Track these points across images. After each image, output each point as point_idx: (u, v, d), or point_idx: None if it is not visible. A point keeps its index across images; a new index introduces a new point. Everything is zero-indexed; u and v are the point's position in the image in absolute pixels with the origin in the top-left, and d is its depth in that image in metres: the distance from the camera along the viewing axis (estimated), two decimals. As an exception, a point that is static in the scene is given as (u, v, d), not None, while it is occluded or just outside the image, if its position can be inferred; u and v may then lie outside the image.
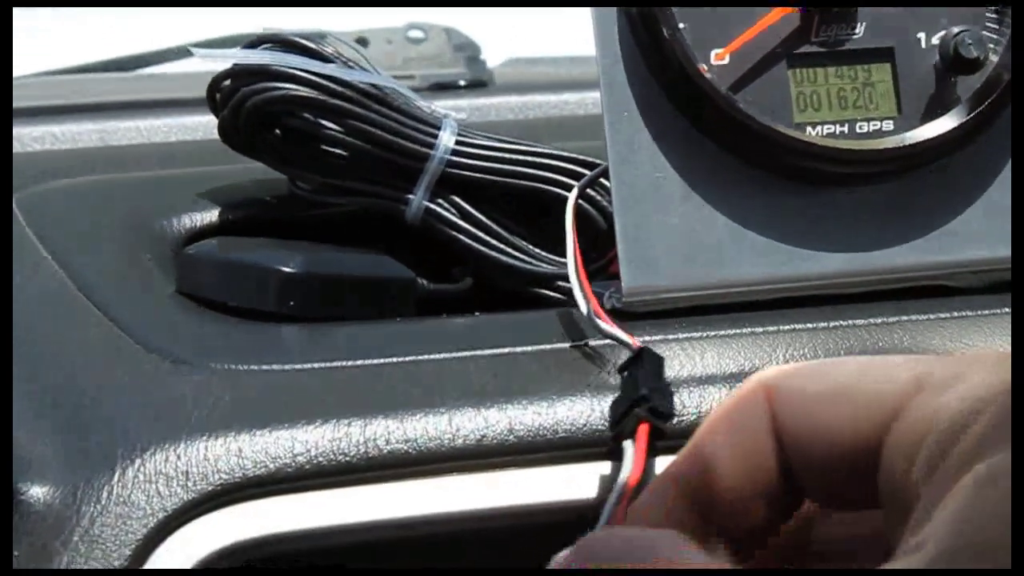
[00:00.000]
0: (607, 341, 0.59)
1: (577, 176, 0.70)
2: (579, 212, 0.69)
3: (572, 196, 0.63)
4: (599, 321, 0.57)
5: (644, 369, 0.54)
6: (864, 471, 0.40)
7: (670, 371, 0.58)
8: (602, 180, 0.69)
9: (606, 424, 0.55)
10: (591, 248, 0.69)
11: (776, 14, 0.61)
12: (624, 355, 0.57)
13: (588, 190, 0.69)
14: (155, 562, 0.51)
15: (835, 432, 0.41)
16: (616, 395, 0.55)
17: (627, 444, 0.50)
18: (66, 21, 1.43)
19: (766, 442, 0.43)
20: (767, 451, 0.43)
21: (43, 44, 1.26)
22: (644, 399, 0.52)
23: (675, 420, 0.54)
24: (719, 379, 0.58)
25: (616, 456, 0.54)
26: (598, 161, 0.69)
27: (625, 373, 0.55)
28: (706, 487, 0.44)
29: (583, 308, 0.58)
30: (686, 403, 0.56)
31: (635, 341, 0.56)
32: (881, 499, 0.40)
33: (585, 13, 0.61)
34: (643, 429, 0.51)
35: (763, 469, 0.43)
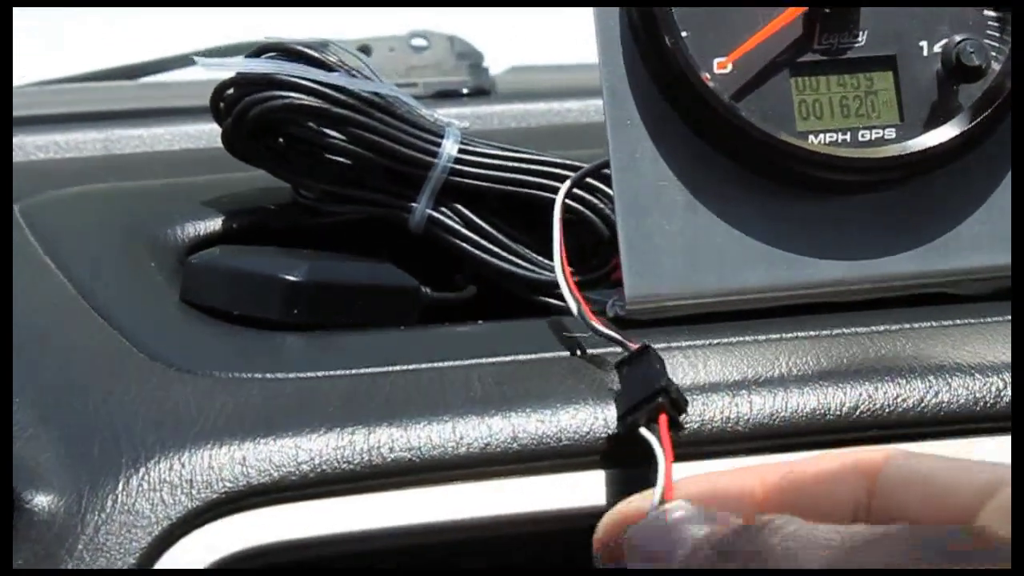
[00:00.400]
0: (610, 348, 0.59)
1: (579, 184, 0.70)
2: (580, 219, 0.69)
3: (559, 197, 0.63)
4: (591, 322, 0.58)
5: (654, 365, 0.55)
6: None
7: (673, 379, 0.58)
8: (603, 187, 0.69)
9: (610, 432, 0.56)
10: (593, 256, 0.69)
11: (780, 20, 0.61)
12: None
13: (589, 195, 0.69)
14: (160, 570, 0.51)
15: (917, 515, 0.45)
16: (619, 390, 0.55)
17: (646, 432, 0.52)
18: (69, 30, 1.43)
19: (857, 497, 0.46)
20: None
21: (46, 53, 1.26)
22: (663, 391, 0.53)
23: (681, 430, 0.55)
24: (722, 387, 0.58)
25: (622, 457, 0.54)
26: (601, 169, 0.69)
27: (624, 370, 0.55)
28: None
29: (573, 309, 0.59)
30: (689, 411, 0.56)
31: (633, 343, 0.56)
32: None
33: (588, 21, 0.61)
34: (663, 419, 0.52)
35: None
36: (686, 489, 0.48)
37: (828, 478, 0.48)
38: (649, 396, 0.53)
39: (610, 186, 0.61)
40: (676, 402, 0.54)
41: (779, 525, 0.43)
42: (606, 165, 0.66)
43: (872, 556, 0.39)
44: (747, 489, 0.48)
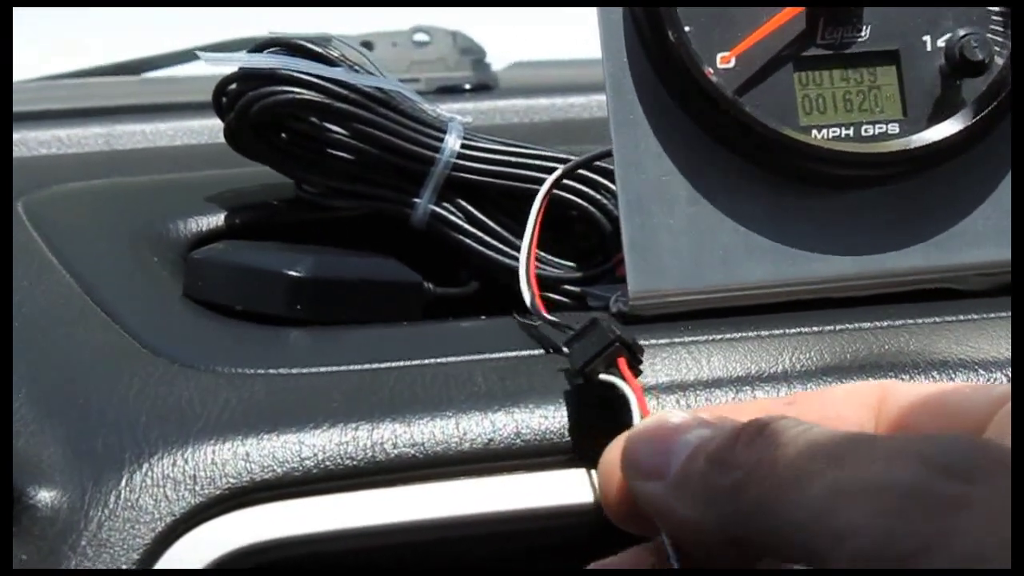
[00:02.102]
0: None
1: (583, 179, 0.70)
2: (584, 215, 0.69)
3: (544, 187, 0.63)
4: (541, 312, 0.59)
5: (605, 327, 0.55)
6: None
7: (677, 374, 0.58)
8: (608, 184, 0.69)
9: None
10: (597, 252, 0.69)
11: (783, 15, 0.61)
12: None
13: (592, 191, 0.69)
14: (163, 566, 0.51)
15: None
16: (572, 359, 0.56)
17: (607, 376, 0.53)
18: (71, 25, 1.43)
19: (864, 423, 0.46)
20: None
21: (48, 48, 1.26)
22: (618, 339, 0.54)
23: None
24: (725, 382, 0.58)
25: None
26: (604, 165, 0.69)
27: (575, 344, 0.56)
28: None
29: (527, 298, 0.60)
30: (692, 406, 0.56)
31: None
32: None
33: (591, 16, 0.61)
34: (621, 361, 0.54)
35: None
36: None
37: (833, 404, 0.47)
38: (603, 348, 0.54)
39: (613, 181, 0.61)
40: (632, 348, 0.54)
41: (780, 428, 0.41)
42: (598, 157, 0.66)
43: (886, 468, 0.38)
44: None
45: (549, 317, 0.59)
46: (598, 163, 0.70)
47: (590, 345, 0.55)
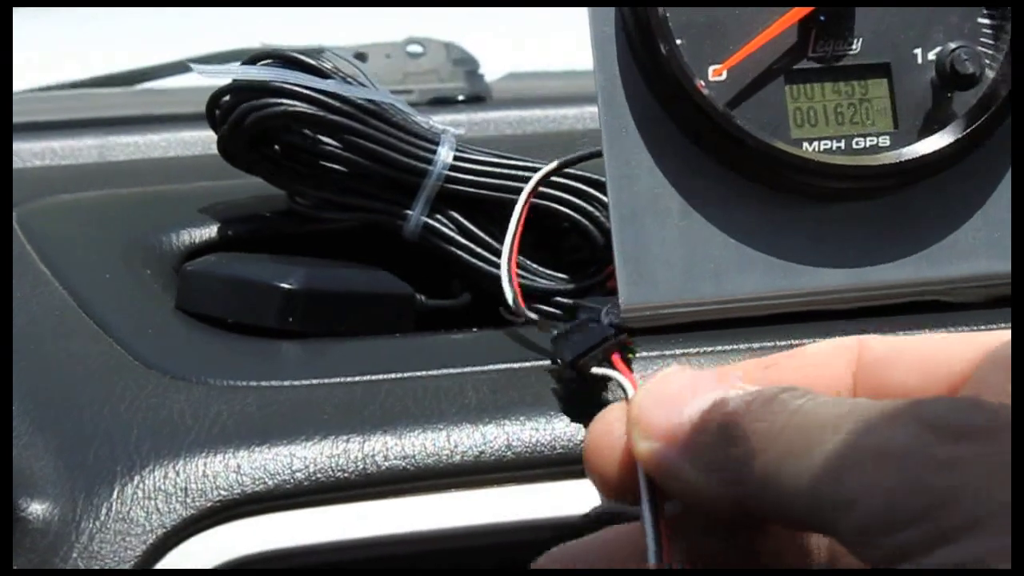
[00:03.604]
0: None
1: (576, 192, 0.70)
2: (577, 227, 0.69)
3: (528, 186, 0.64)
4: (521, 308, 0.60)
5: (590, 317, 0.55)
6: None
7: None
8: (600, 196, 0.69)
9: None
10: (589, 264, 0.69)
11: (775, 28, 0.61)
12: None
13: (584, 203, 0.69)
14: (154, 579, 0.51)
15: (907, 386, 0.44)
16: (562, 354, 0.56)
17: (599, 369, 0.53)
18: (65, 37, 1.43)
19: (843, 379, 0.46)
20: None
21: (41, 59, 1.26)
22: (612, 334, 0.54)
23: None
24: (717, 394, 0.58)
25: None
26: (596, 176, 0.69)
27: (566, 341, 0.56)
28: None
29: (508, 295, 0.60)
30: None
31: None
32: None
33: (584, 28, 0.61)
34: (615, 357, 0.53)
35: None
36: None
37: (811, 363, 0.47)
38: (596, 343, 0.54)
39: (605, 193, 0.61)
40: (624, 342, 0.54)
41: (787, 399, 0.42)
42: (587, 157, 0.66)
43: (885, 434, 0.38)
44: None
45: (531, 315, 0.60)
46: (590, 175, 0.70)
47: (581, 340, 0.55)
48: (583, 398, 0.57)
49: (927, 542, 0.36)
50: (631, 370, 0.54)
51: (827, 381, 0.47)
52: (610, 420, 0.47)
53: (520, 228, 0.62)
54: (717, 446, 0.43)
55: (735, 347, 0.62)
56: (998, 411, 0.38)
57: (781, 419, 0.41)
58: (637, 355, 0.55)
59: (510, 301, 0.61)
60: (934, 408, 0.38)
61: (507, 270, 0.61)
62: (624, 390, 0.51)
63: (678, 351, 0.61)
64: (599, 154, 0.60)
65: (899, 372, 0.46)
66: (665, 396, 0.45)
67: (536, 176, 0.65)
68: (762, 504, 0.41)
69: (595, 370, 0.53)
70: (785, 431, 0.41)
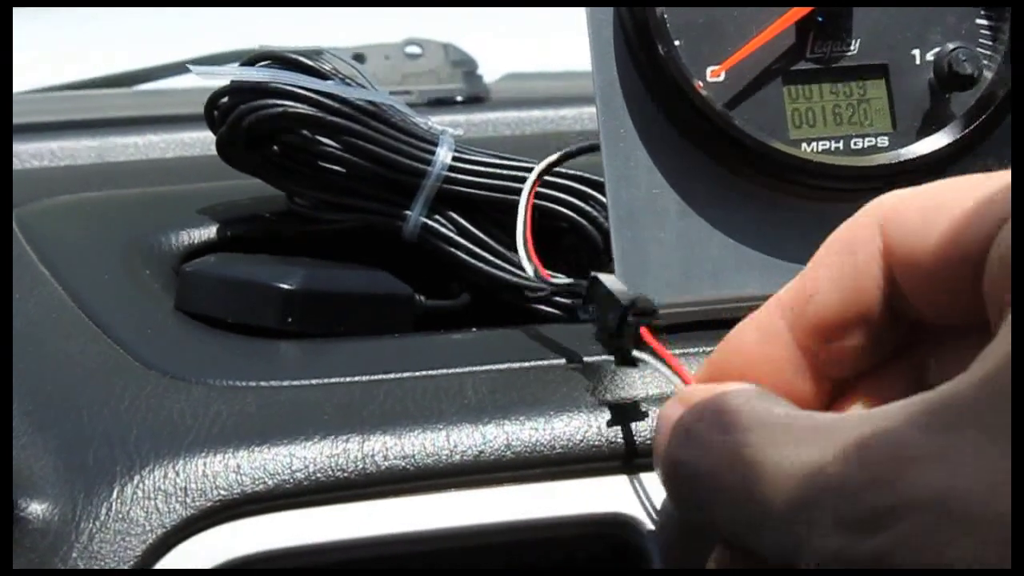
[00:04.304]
0: (605, 357, 0.59)
1: (574, 192, 0.70)
2: (575, 228, 0.69)
3: (527, 184, 0.64)
4: (545, 280, 0.61)
5: (607, 287, 0.55)
6: (972, 285, 0.41)
7: (666, 386, 0.59)
8: (599, 196, 0.69)
9: (604, 440, 0.56)
10: (589, 265, 0.69)
11: (773, 29, 0.61)
12: (623, 375, 0.57)
13: (583, 204, 0.69)
14: (154, 579, 0.51)
15: (943, 246, 0.42)
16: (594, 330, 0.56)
17: (638, 353, 0.52)
18: (63, 38, 1.43)
19: (872, 264, 0.44)
20: (873, 273, 0.44)
21: (40, 60, 1.26)
22: (631, 306, 0.53)
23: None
24: (715, 394, 0.58)
25: (615, 465, 0.55)
26: (595, 177, 0.69)
27: (591, 306, 0.56)
28: (811, 316, 0.45)
29: (529, 271, 0.61)
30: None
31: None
32: (990, 316, 0.40)
33: (582, 29, 0.61)
34: (644, 332, 0.52)
35: (867, 291, 0.44)
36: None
37: (847, 234, 0.46)
38: (620, 321, 0.53)
39: (604, 194, 0.61)
40: (644, 311, 0.53)
41: (736, 408, 0.42)
42: (580, 152, 0.66)
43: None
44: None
45: (554, 281, 0.61)
46: (589, 176, 0.70)
47: (604, 319, 0.54)
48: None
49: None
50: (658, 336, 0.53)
51: (855, 269, 0.45)
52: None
53: (529, 212, 0.62)
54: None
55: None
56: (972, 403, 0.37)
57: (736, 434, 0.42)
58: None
59: (531, 273, 0.61)
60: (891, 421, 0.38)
61: (525, 254, 0.62)
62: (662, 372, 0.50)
63: (677, 351, 0.61)
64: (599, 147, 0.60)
65: (933, 231, 0.43)
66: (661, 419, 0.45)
67: (539, 166, 0.65)
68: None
69: (635, 354, 0.52)
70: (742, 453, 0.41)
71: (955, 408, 0.37)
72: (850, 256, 0.45)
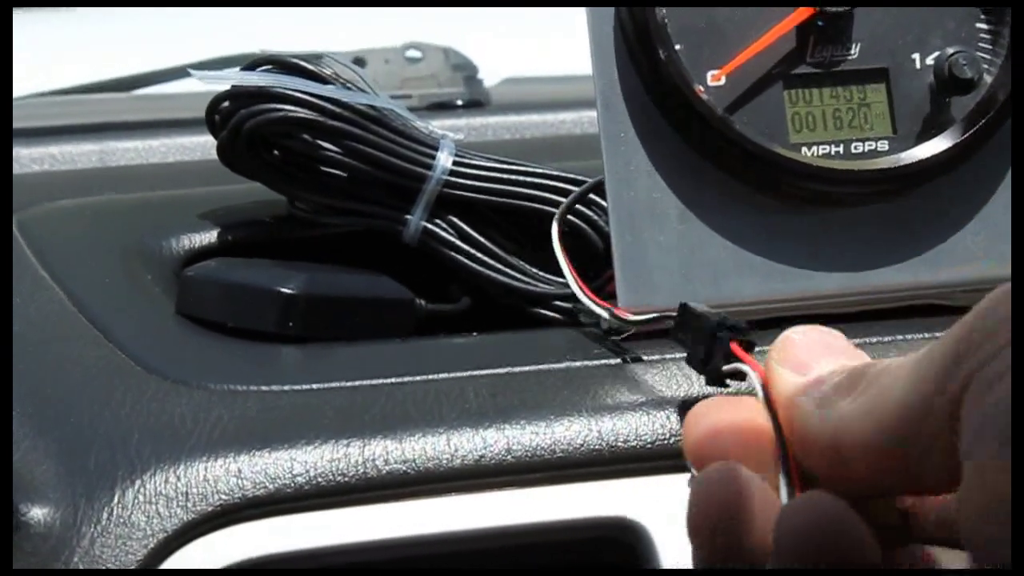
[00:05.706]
0: (605, 361, 0.60)
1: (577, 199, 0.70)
2: (575, 232, 0.69)
3: (556, 220, 0.64)
4: (627, 315, 0.59)
5: (700, 313, 0.54)
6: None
7: (668, 390, 0.59)
8: (597, 199, 0.69)
9: (605, 444, 0.56)
10: (588, 268, 0.70)
11: (774, 33, 0.61)
12: (625, 372, 0.57)
13: (583, 208, 0.69)
14: (155, 583, 0.51)
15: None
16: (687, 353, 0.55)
17: (729, 367, 0.51)
18: (63, 42, 1.43)
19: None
20: None
21: (41, 64, 1.26)
22: (720, 324, 0.52)
23: (671, 438, 0.55)
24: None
25: (615, 469, 0.55)
26: (595, 180, 0.69)
27: (679, 334, 0.55)
28: None
29: (603, 315, 0.60)
30: (683, 421, 0.57)
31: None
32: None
33: (583, 33, 0.61)
34: (735, 347, 0.51)
35: None
36: None
37: None
38: (711, 339, 0.52)
39: (605, 198, 0.61)
40: (736, 328, 0.52)
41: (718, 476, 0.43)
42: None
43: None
44: None
45: (637, 318, 0.59)
46: (590, 180, 0.70)
47: (697, 339, 0.53)
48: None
49: None
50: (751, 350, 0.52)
51: None
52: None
53: (567, 259, 0.64)
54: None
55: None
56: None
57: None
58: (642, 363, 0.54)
59: (607, 316, 0.61)
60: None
61: (588, 300, 0.62)
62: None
63: (678, 355, 0.61)
64: None
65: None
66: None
67: (564, 205, 0.66)
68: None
69: (726, 368, 0.51)
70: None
71: None
72: None
